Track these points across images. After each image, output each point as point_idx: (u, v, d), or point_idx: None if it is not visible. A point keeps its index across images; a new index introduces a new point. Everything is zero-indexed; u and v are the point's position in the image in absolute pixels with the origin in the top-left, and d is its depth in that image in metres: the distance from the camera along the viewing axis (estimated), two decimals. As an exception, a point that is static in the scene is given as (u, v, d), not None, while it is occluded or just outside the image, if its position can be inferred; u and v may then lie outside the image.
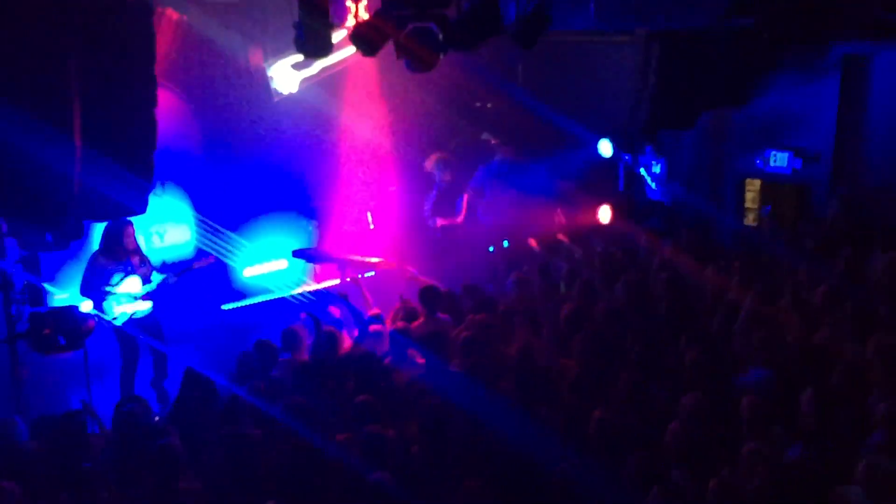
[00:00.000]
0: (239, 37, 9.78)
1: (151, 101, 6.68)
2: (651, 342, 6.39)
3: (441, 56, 7.23)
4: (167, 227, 10.10)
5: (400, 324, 7.19)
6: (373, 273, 9.80)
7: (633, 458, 4.94)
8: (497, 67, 11.23)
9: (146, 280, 8.41)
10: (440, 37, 7.05)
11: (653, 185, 10.75)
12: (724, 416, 5.39)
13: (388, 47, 7.18)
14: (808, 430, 5.27)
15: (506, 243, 10.29)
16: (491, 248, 10.09)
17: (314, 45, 7.04)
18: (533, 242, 9.28)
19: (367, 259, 9.83)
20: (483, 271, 9.39)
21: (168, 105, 8.35)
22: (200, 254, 9.46)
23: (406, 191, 11.42)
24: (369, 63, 9.79)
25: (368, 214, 11.09)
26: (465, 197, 10.42)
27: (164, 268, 8.88)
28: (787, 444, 5.16)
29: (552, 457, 5.02)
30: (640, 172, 10.75)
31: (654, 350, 6.31)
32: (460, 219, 10.47)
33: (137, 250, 8.41)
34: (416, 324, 7.21)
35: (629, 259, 8.72)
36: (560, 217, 10.44)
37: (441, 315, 7.38)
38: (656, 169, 10.61)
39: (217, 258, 9.42)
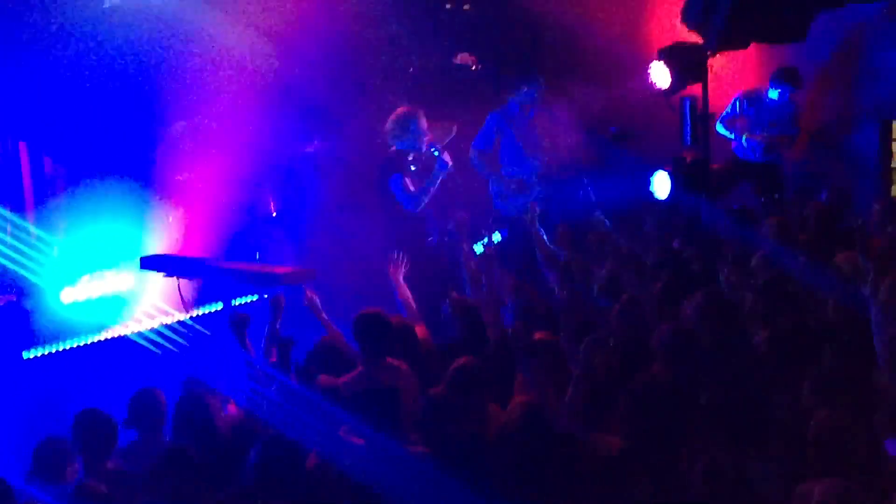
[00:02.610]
0: None
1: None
2: (742, 394, 6.36)
3: None
4: None
5: (322, 379, 7.10)
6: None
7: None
8: None
9: None
10: None
11: (743, 139, 11.23)
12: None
13: None
14: None
15: (496, 236, 10.44)
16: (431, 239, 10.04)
17: None
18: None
19: (272, 268, 9.17)
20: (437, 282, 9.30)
21: None
22: None
23: (329, 158, 11.62)
24: None
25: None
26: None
27: None
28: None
29: None
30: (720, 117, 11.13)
31: (747, 407, 6.18)
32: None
33: None
34: (347, 377, 7.16)
35: (704, 258, 8.83)
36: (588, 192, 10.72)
37: (391, 361, 7.25)
38: (773, 94, 11.06)
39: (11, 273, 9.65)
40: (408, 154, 9.96)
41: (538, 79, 10.64)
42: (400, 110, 10.19)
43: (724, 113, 11.17)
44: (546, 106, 10.69)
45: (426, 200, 9.77)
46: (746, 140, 11.16)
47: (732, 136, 11.25)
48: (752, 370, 6.95)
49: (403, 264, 8.76)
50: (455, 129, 10.90)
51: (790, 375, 6.76)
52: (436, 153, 9.63)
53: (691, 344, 7.02)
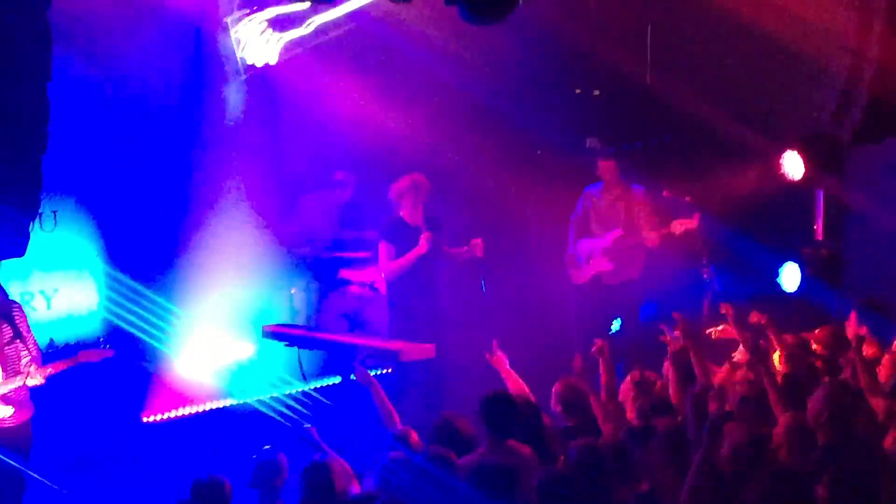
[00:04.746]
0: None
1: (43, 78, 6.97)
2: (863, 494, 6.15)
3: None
4: (58, 284, 9.79)
5: (440, 450, 6.93)
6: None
7: None
8: (611, 26, 11.33)
9: (13, 370, 8.16)
10: None
11: None
12: None
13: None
14: None
15: (616, 325, 10.38)
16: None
17: None
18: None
19: (390, 344, 9.31)
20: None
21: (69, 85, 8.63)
22: (114, 333, 9.58)
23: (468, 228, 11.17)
24: (401, 16, 10.20)
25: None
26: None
27: (50, 352, 8.91)
28: None
29: None
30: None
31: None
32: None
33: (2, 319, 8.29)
34: (469, 457, 6.95)
35: (831, 361, 8.50)
36: (707, 273, 10.51)
37: (514, 444, 7.09)
38: None
39: (132, 340, 9.68)
40: (398, 221, 10.12)
41: (615, 158, 10.81)
42: (406, 178, 10.23)
43: None
44: (628, 186, 10.80)
45: (403, 269, 9.90)
46: None
47: None
48: (876, 471, 6.69)
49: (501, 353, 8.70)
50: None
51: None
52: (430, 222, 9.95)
53: (814, 436, 6.84)
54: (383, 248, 10.06)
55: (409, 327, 9.92)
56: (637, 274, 10.79)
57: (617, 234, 10.68)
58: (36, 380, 8.19)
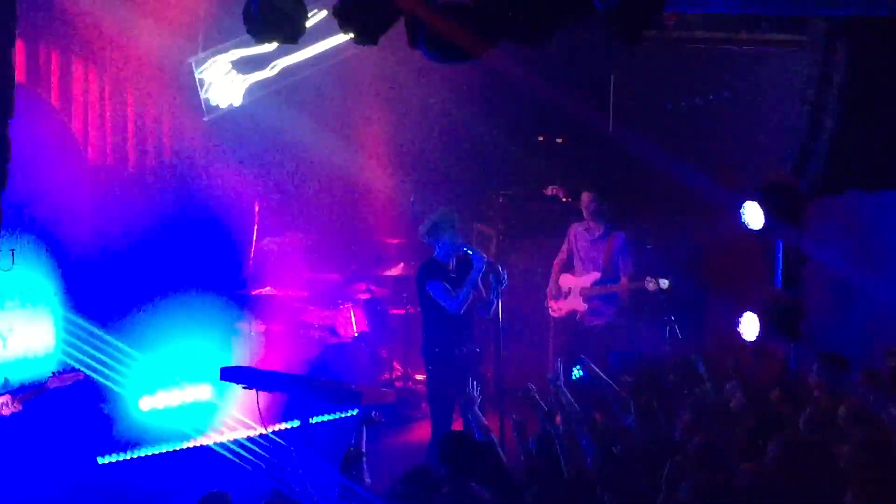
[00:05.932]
0: (151, 20, 10.13)
1: (4, 114, 6.54)
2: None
3: (488, 48, 6.83)
4: (14, 324, 9.78)
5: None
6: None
7: None
8: (576, 77, 11.47)
9: None
10: (490, 20, 6.70)
11: None
12: None
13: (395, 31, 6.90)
14: None
15: (578, 371, 10.01)
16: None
17: (277, 20, 6.61)
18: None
19: (352, 386, 9.07)
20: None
21: (33, 118, 8.96)
22: (66, 370, 9.15)
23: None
24: (362, 58, 10.36)
25: (351, 312, 11.28)
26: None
27: (4, 393, 8.70)
28: None
29: None
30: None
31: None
32: None
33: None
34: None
35: (791, 407, 8.30)
36: (674, 331, 10.55)
37: (474, 485, 6.89)
38: None
39: (89, 377, 9.46)
40: (439, 258, 10.07)
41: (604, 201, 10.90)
42: (436, 213, 10.36)
43: None
44: (611, 229, 10.89)
45: (468, 300, 9.77)
46: None
47: None
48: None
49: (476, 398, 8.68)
50: (495, 235, 11.21)
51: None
52: (469, 252, 9.74)
53: (773, 487, 6.79)
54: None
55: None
56: (609, 318, 10.88)
57: (594, 277, 10.82)
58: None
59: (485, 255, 9.95)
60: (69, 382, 8.52)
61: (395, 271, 11.85)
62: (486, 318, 10.05)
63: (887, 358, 9.57)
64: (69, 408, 9.17)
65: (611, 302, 10.94)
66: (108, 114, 10.33)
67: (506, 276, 9.86)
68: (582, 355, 9.88)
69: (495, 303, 9.83)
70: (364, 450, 8.09)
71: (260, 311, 11.25)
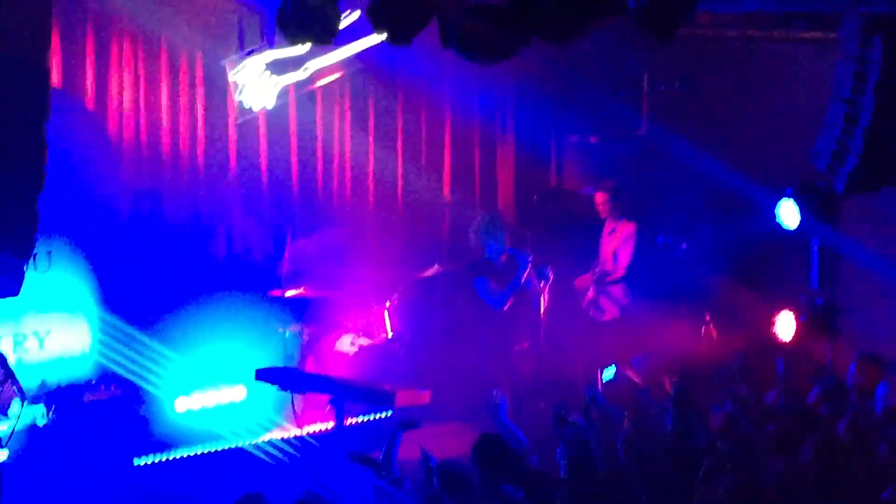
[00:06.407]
0: (185, 23, 10.19)
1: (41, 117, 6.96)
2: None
3: (519, 48, 7.06)
4: (51, 326, 9.72)
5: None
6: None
7: None
8: (608, 76, 11.41)
9: (3, 412, 8.18)
10: (522, 20, 6.88)
11: None
12: None
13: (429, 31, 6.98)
14: None
15: (610, 372, 10.03)
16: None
17: (310, 20, 6.77)
18: (667, 383, 9.06)
19: (386, 388, 9.06)
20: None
21: (69, 122, 8.94)
22: (104, 377, 9.49)
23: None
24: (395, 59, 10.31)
25: (385, 312, 11.15)
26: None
27: (42, 395, 8.93)
28: None
29: None
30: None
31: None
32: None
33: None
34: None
35: (829, 406, 8.38)
36: (710, 330, 10.56)
37: (507, 487, 6.98)
38: None
39: (126, 390, 9.56)
40: (489, 258, 10.27)
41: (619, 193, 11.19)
42: (484, 214, 10.53)
43: None
44: (621, 220, 11.11)
45: (511, 299, 10.10)
46: None
47: None
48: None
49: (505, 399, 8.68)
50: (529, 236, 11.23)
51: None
52: (515, 252, 10.00)
53: (805, 485, 6.80)
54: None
55: None
56: (616, 313, 11.01)
57: (600, 271, 11.06)
58: None
59: (530, 255, 10.18)
60: (105, 398, 8.74)
61: (429, 272, 11.82)
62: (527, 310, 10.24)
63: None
64: (105, 410, 9.21)
65: (614, 295, 11.06)
66: (142, 117, 10.31)
67: (550, 274, 10.19)
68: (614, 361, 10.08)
69: (514, 290, 10.17)
70: (398, 452, 8.06)
71: (295, 313, 11.10)
